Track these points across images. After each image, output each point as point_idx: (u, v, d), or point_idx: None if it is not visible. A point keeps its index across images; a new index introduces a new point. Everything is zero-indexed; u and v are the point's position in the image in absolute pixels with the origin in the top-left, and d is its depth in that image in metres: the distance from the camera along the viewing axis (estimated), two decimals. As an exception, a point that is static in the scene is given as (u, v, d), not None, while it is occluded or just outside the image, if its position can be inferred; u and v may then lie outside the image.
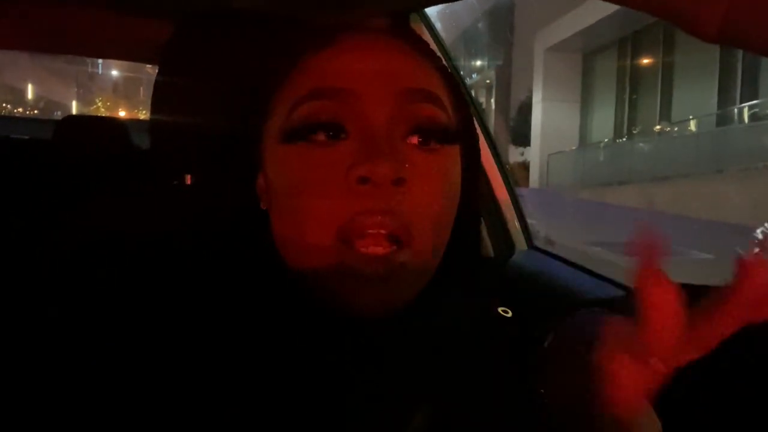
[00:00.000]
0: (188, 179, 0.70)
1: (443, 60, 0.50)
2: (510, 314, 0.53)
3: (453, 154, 0.47)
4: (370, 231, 0.41)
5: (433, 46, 1.25)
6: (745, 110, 10.68)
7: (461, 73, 1.27)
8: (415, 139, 0.44)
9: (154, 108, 0.72)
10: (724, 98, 11.07)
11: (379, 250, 0.41)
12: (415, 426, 0.42)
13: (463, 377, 0.45)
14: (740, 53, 10.48)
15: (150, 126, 0.72)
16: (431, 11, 1.23)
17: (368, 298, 0.42)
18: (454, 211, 0.47)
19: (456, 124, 0.47)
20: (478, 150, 0.53)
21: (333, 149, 0.43)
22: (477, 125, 1.20)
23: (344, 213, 0.41)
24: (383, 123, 0.43)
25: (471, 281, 0.53)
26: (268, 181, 0.47)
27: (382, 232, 0.41)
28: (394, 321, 0.45)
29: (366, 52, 0.45)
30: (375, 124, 0.43)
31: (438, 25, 1.28)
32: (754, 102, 10.50)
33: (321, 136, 0.43)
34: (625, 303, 0.36)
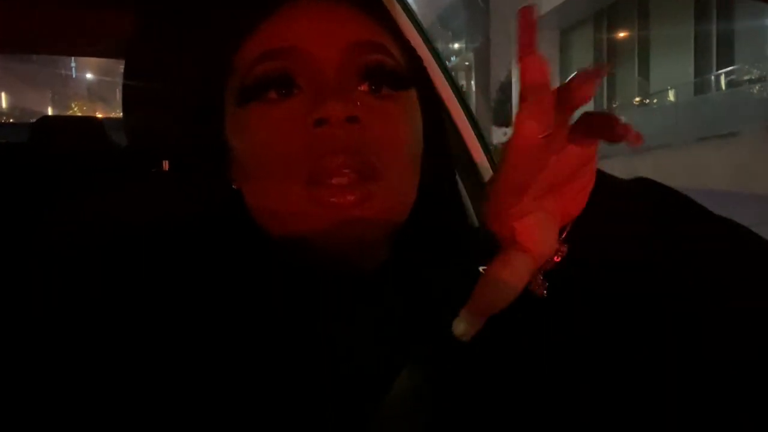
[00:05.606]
0: (166, 165, 0.70)
1: (413, 29, 0.51)
2: None
3: (407, 99, 0.48)
4: (337, 170, 0.43)
5: (411, 27, 1.24)
6: (722, 77, 10.77)
7: (441, 55, 1.26)
8: (365, 87, 0.46)
9: (126, 99, 0.72)
10: (701, 66, 11.15)
11: (345, 180, 0.43)
12: (399, 383, 0.42)
13: (443, 332, 0.46)
14: (714, 21, 10.54)
15: (123, 117, 0.72)
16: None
17: (346, 234, 0.44)
18: (418, 155, 0.49)
19: (406, 71, 0.49)
20: (437, 96, 0.54)
21: (288, 104, 0.45)
22: (459, 106, 1.18)
23: (309, 159, 0.43)
24: (333, 73, 0.45)
25: (455, 243, 0.53)
26: (234, 152, 0.48)
27: (347, 171, 0.43)
28: (374, 275, 0.46)
29: (312, 14, 0.47)
30: (325, 76, 0.45)
31: (414, 7, 1.27)
32: (730, 68, 10.58)
33: (273, 94, 0.45)
34: None
